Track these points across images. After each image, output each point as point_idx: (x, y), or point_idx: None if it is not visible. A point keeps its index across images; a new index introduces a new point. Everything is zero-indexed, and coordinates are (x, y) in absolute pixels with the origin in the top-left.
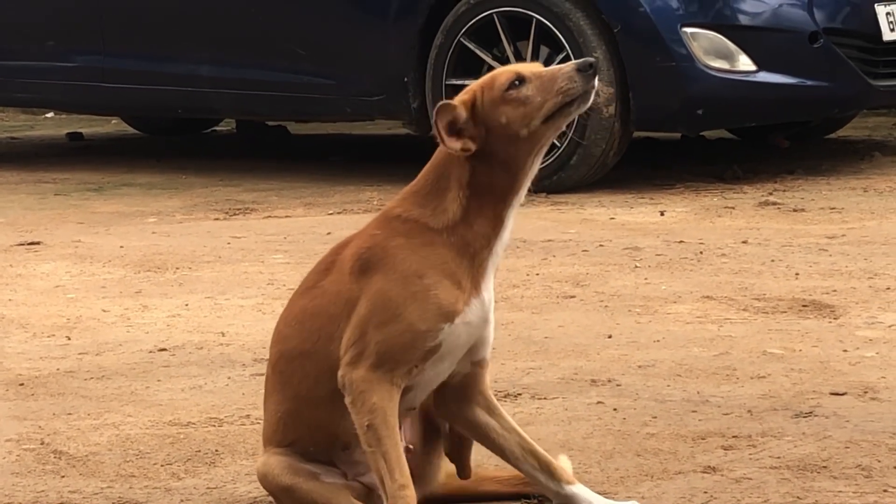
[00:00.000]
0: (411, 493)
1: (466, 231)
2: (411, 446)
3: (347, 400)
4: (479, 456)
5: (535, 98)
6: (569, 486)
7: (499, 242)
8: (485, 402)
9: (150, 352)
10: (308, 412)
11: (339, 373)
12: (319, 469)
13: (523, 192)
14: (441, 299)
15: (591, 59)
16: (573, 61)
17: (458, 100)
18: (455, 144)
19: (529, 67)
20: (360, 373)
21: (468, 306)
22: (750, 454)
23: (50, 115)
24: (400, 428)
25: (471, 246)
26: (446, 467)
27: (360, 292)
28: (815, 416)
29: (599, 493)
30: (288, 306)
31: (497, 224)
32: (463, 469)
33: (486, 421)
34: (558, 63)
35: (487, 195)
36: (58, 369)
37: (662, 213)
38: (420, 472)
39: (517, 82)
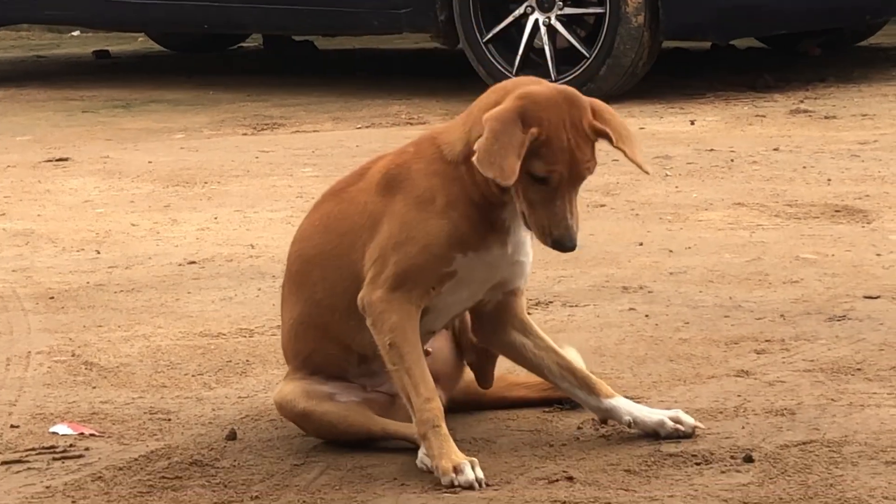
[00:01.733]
0: (437, 405)
1: (475, 173)
2: (430, 349)
3: (368, 321)
4: (510, 363)
5: (535, 203)
6: (608, 400)
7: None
8: (520, 324)
9: (180, 264)
10: (323, 319)
11: (360, 294)
12: (335, 388)
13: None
14: (451, 226)
15: (574, 245)
16: (562, 232)
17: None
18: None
19: (571, 168)
20: (379, 293)
21: (488, 247)
22: (783, 358)
23: (76, 33)
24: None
25: (480, 187)
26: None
27: (383, 209)
28: (849, 319)
29: (632, 399)
30: (314, 208)
31: (501, 228)
32: (485, 379)
33: (522, 342)
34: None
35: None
36: (88, 283)
37: (693, 123)
38: (443, 375)
39: (544, 179)
